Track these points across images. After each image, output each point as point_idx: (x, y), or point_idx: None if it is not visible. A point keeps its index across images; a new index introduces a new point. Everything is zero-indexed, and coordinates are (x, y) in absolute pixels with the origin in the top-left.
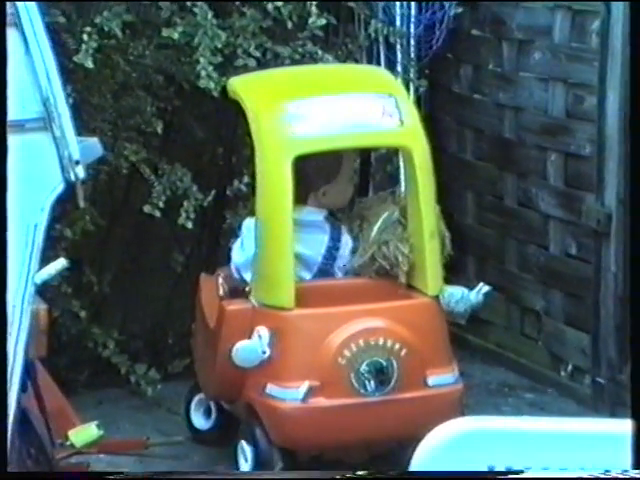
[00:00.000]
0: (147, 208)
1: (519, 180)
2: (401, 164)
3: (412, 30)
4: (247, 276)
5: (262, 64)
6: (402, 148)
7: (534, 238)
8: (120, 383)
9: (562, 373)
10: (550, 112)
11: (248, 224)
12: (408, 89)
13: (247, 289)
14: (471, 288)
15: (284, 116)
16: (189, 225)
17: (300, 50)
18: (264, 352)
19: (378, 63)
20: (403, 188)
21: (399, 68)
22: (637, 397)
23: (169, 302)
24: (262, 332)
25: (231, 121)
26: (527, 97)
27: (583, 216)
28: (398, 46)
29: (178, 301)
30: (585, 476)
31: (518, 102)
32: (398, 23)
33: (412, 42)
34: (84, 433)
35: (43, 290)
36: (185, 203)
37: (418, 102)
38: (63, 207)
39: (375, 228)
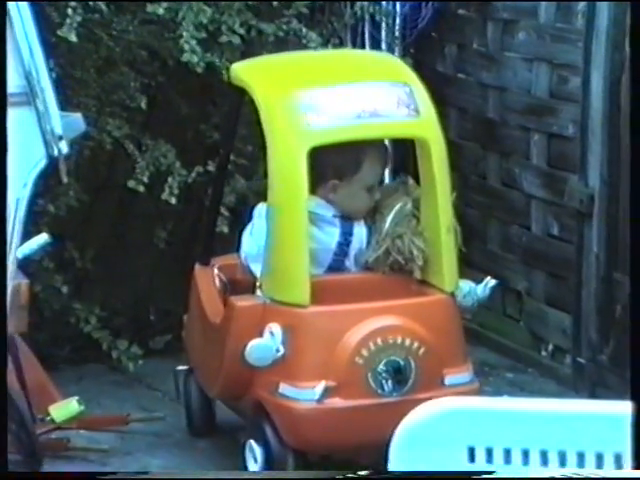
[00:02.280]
0: (131, 183)
1: (502, 160)
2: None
3: (398, 9)
4: (255, 267)
5: (246, 41)
6: (418, 139)
7: (517, 218)
8: (101, 359)
9: (543, 353)
10: (534, 92)
11: (260, 210)
12: None
13: (257, 283)
14: (478, 282)
15: (298, 106)
16: (173, 201)
17: (285, 28)
18: (277, 350)
19: (363, 41)
20: (412, 180)
21: (383, 46)
22: (637, 396)
23: (152, 278)
24: (275, 329)
25: (215, 97)
26: (511, 77)
27: (566, 196)
28: (383, 24)
29: (161, 277)
30: (576, 476)
31: (502, 82)
32: (384, 2)
33: (397, 21)
34: (65, 409)
35: (25, 265)
36: (169, 179)
37: None
38: (46, 182)
39: (388, 220)
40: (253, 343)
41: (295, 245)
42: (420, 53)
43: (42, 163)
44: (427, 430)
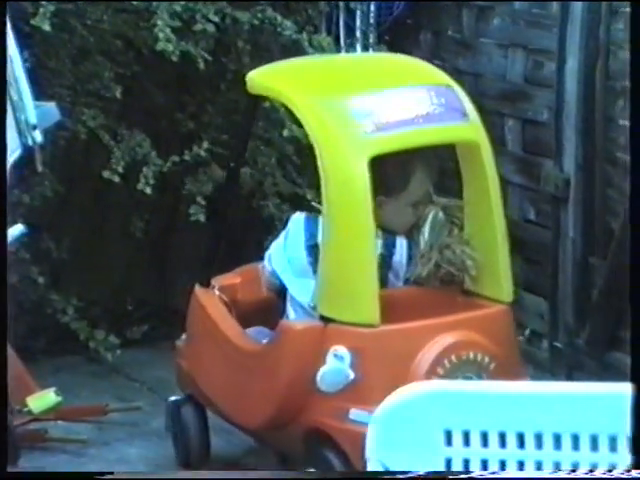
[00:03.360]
0: (106, 174)
1: None
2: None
3: None
4: (287, 279)
5: (221, 29)
6: (470, 143)
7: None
8: (79, 350)
9: (520, 337)
10: (509, 78)
11: (297, 220)
12: None
13: (310, 304)
14: None
15: (350, 112)
16: (148, 191)
17: (259, 16)
18: (347, 375)
19: (337, 29)
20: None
21: (358, 34)
22: (637, 395)
23: (128, 268)
24: (341, 352)
25: (191, 86)
26: (486, 63)
27: (541, 182)
28: (358, 12)
29: (137, 267)
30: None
31: (477, 68)
32: None
33: (372, 8)
34: (42, 400)
35: None
36: (144, 169)
37: None
38: (21, 173)
39: (426, 231)
40: (325, 369)
41: (362, 261)
42: (395, 40)
43: (17, 152)
44: (404, 414)
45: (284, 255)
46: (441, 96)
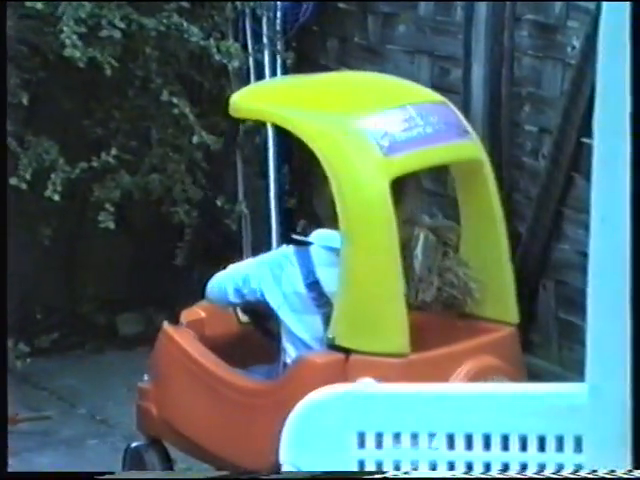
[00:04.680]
0: (13, 181)
1: None
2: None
3: (279, 2)
4: (286, 316)
5: (128, 35)
6: (475, 161)
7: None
8: None
9: None
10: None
11: (288, 254)
12: (275, 61)
13: (330, 335)
14: None
15: (364, 133)
16: (56, 198)
17: (165, 22)
18: None
19: (245, 36)
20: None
21: (265, 40)
22: (637, 395)
23: (36, 276)
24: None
25: (98, 93)
26: (393, 69)
27: (448, 187)
28: (264, 18)
29: (45, 275)
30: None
31: (384, 75)
32: None
33: (278, 14)
34: None
35: None
36: (52, 175)
37: (285, 74)
38: None
39: (419, 254)
40: None
41: (389, 288)
42: (303, 47)
43: None
44: (317, 417)
45: (278, 290)
46: (441, 113)
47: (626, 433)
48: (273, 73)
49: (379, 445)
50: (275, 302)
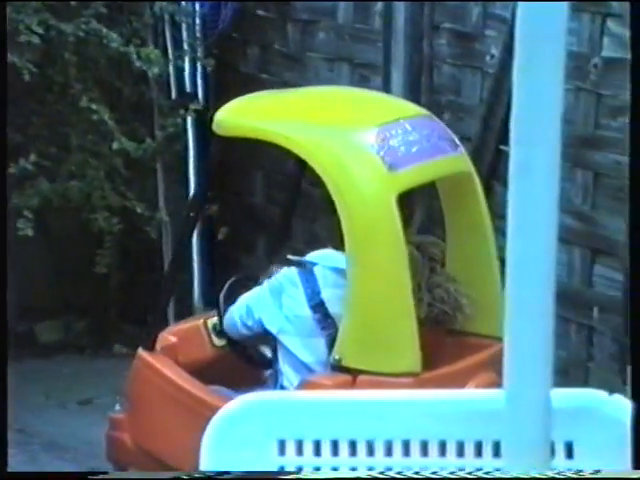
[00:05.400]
0: None
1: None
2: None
3: (197, 9)
4: (287, 340)
5: (46, 41)
6: (465, 174)
7: (323, 215)
8: None
9: None
10: None
11: (290, 276)
12: (195, 68)
13: (336, 357)
14: None
15: (365, 147)
16: None
17: (84, 27)
18: None
19: (164, 41)
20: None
21: (185, 46)
22: (637, 395)
23: None
24: None
25: (16, 99)
26: (313, 77)
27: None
28: (184, 25)
29: None
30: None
31: (304, 82)
32: (183, 1)
33: (197, 21)
34: None
35: None
36: None
37: (206, 81)
38: None
39: None
40: None
41: (400, 307)
42: (223, 53)
43: None
44: (235, 424)
45: (280, 314)
46: (432, 127)
47: (544, 436)
48: (193, 80)
49: (299, 453)
50: (275, 326)
